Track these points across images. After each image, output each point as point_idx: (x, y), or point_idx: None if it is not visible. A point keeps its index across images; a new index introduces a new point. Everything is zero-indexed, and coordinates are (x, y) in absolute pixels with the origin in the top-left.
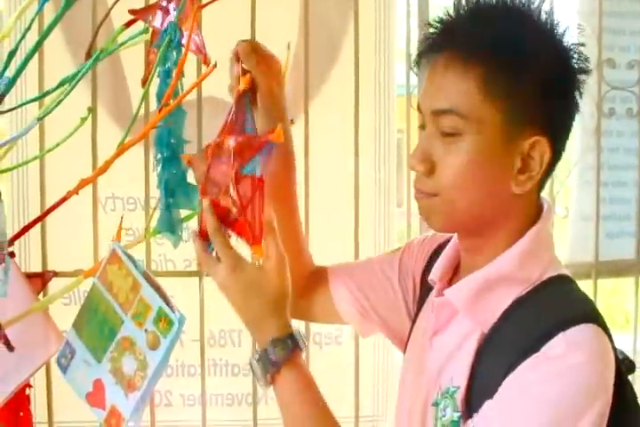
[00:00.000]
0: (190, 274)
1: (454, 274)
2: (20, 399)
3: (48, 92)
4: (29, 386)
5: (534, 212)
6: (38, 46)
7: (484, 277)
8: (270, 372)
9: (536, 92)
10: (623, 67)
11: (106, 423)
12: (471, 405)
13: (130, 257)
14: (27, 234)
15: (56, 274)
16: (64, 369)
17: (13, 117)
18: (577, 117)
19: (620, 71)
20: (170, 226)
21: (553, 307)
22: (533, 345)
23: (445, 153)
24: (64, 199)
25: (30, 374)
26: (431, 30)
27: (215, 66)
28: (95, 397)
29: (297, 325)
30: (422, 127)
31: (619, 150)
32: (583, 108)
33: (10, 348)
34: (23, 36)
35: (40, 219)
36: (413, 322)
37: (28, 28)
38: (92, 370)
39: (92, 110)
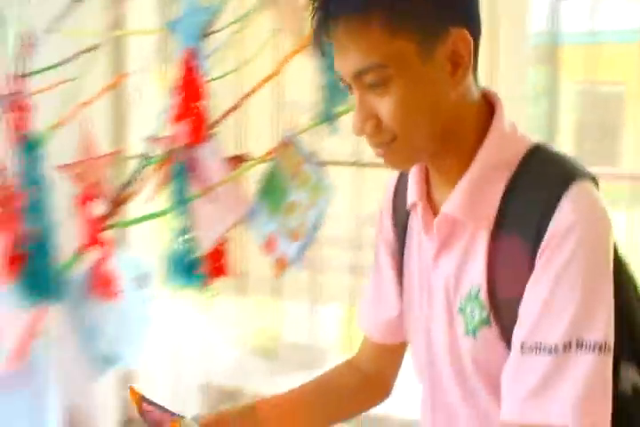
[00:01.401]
0: (351, 164)
1: (429, 195)
2: (219, 252)
3: (239, 20)
4: (225, 242)
5: (481, 102)
6: None
7: (471, 178)
8: None
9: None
10: None
11: (274, 267)
12: (497, 298)
13: (298, 142)
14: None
15: (249, 156)
16: (249, 225)
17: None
18: None
19: None
20: (329, 119)
21: (542, 176)
22: (540, 221)
23: (383, 102)
24: (247, 95)
25: (227, 229)
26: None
27: None
28: (269, 246)
29: None
30: (350, 90)
31: None
32: None
33: (214, 201)
34: None
35: (235, 108)
36: (402, 259)
37: None
38: (267, 226)
39: (277, 31)
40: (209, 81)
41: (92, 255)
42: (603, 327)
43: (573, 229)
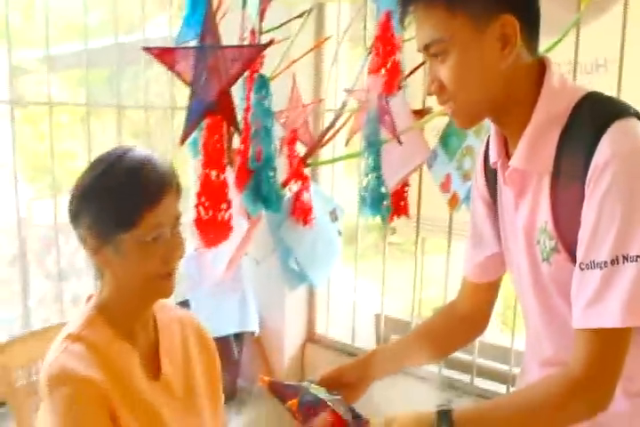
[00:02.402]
0: None
1: (507, 151)
2: (401, 193)
3: None
4: (407, 185)
5: (534, 67)
6: None
7: (529, 134)
8: None
9: None
10: None
11: (449, 204)
12: (561, 229)
13: None
14: None
15: (430, 109)
16: (430, 167)
17: None
18: None
19: None
20: None
21: (588, 119)
22: (586, 158)
23: (443, 69)
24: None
25: (410, 172)
26: None
27: None
28: (445, 185)
29: None
30: (426, 59)
31: None
32: None
33: (400, 143)
34: None
35: (421, 65)
36: (497, 208)
37: None
38: (446, 167)
39: None
40: (403, 41)
41: (294, 186)
42: None
43: (611, 162)
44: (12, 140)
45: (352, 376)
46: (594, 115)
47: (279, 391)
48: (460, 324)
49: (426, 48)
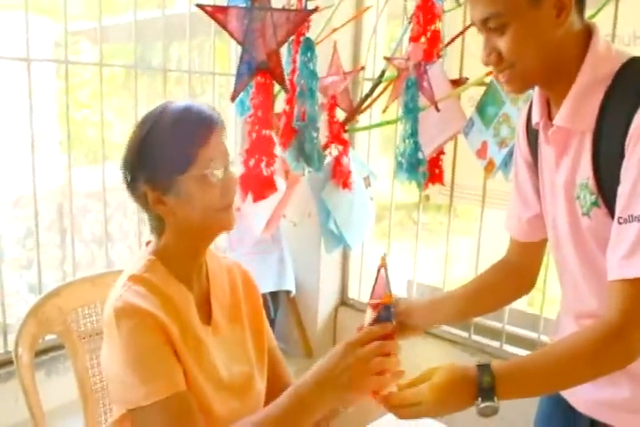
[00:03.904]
0: None
1: (549, 113)
2: (436, 161)
3: None
4: (443, 153)
5: (582, 33)
6: None
7: (574, 94)
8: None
9: None
10: None
11: (485, 170)
12: (602, 184)
13: None
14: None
15: (467, 79)
16: (466, 135)
17: None
18: None
19: None
20: None
21: (631, 82)
22: (627, 119)
23: (503, 40)
24: (470, 25)
25: (445, 139)
26: None
27: None
28: (481, 152)
29: None
30: (480, 32)
31: None
32: None
33: (437, 110)
34: None
35: (460, 35)
36: (537, 169)
37: None
38: (482, 134)
39: None
40: (442, 11)
41: (334, 151)
42: None
43: None
44: (66, 97)
45: (417, 318)
46: (637, 78)
47: (379, 281)
48: (512, 279)
49: (483, 23)
